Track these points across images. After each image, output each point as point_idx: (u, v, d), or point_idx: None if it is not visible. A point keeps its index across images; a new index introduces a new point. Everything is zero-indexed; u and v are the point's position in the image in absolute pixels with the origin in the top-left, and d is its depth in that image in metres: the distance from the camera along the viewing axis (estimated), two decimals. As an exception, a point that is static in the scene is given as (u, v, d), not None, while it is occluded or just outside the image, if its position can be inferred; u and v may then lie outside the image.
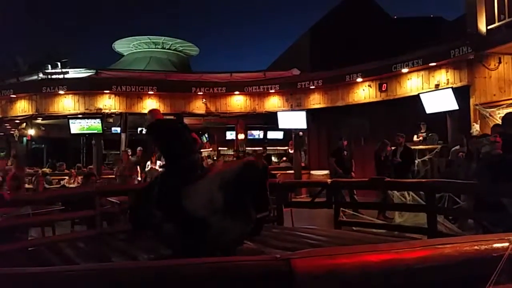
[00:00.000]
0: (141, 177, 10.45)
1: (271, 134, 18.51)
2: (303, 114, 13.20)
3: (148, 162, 11.18)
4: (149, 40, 23.71)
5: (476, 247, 1.64)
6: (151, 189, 3.74)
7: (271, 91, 13.63)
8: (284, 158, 16.96)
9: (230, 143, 17.89)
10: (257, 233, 3.63)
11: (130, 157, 11.21)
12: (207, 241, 3.26)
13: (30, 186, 10.03)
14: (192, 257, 3.35)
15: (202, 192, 3.34)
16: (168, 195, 3.41)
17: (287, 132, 15.74)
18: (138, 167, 10.75)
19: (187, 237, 3.32)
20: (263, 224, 3.63)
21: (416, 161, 9.66)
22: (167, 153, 3.79)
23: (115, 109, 13.20)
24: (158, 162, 11.03)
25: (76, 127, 13.12)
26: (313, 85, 12.97)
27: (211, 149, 18.91)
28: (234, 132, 16.53)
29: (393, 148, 9.02)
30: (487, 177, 4.65)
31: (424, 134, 10.60)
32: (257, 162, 3.35)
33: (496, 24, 8.13)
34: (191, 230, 3.30)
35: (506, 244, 1.62)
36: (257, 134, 18.36)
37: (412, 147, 9.64)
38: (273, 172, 9.68)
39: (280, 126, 13.97)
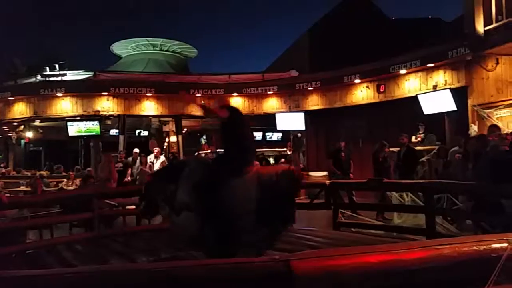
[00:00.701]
0: (130, 178, 10.45)
1: (270, 136, 18.51)
2: (301, 116, 13.22)
3: (138, 164, 11.10)
4: (147, 42, 23.61)
5: (475, 248, 1.64)
6: (176, 170, 3.60)
7: (269, 92, 13.64)
8: (283, 160, 16.93)
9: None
10: (272, 246, 3.36)
11: (123, 159, 11.21)
12: (225, 243, 3.15)
13: (28, 188, 10.01)
14: (204, 252, 3.26)
15: (242, 190, 3.15)
16: (213, 182, 3.20)
17: (285, 133, 15.72)
18: (130, 169, 10.75)
19: (205, 234, 3.22)
20: (278, 237, 3.48)
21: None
22: (236, 137, 3.42)
23: (113, 111, 13.17)
24: (149, 163, 11.00)
25: (74, 129, 13.11)
26: (311, 87, 12.98)
27: (209, 150, 18.89)
28: (232, 134, 16.48)
29: (392, 149, 9.01)
30: (490, 171, 4.67)
31: (422, 135, 10.59)
32: (295, 172, 3.21)
33: (494, 25, 8.15)
34: (215, 227, 3.17)
35: (505, 245, 1.62)
36: (256, 135, 18.36)
37: (411, 148, 9.62)
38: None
39: (279, 128, 13.99)
